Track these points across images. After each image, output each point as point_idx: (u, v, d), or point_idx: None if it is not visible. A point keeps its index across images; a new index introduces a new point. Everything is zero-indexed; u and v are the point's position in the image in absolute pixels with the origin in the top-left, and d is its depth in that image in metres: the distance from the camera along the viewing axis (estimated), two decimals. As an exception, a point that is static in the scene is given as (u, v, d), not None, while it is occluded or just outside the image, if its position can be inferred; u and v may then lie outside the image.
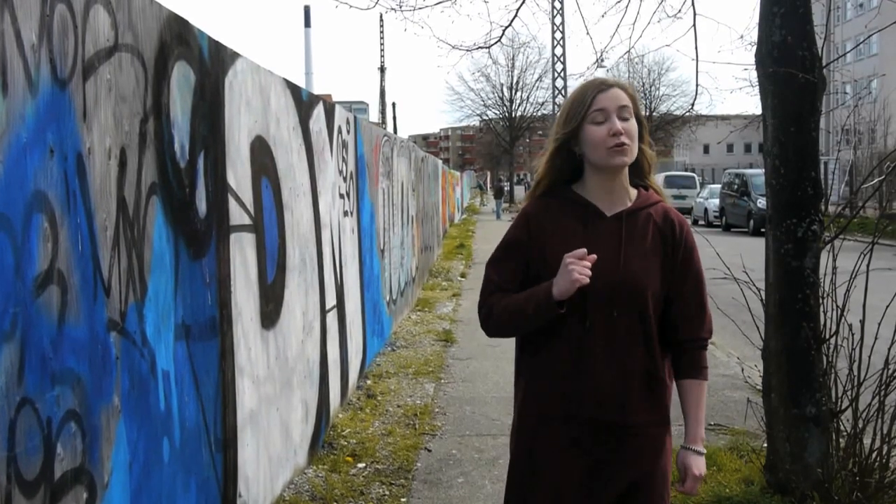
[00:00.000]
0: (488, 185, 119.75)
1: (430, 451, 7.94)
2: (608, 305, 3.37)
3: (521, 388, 3.60)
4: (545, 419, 3.47)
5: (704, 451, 3.54)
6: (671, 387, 3.53)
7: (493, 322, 3.55)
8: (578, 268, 3.21)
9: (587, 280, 3.21)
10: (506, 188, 58.37)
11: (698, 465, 3.49)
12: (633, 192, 3.52)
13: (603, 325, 3.37)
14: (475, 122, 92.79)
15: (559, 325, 3.39)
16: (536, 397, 3.49)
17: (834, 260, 5.93)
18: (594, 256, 3.25)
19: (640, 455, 3.46)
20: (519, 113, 76.65)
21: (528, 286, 3.46)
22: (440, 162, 32.74)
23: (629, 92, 3.47)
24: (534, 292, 3.39)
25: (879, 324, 5.64)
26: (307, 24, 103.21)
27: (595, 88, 3.45)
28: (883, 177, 8.52)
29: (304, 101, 7.48)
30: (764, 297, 6.16)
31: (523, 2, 11.90)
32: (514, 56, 73.18)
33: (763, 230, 6.47)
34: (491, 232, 37.62)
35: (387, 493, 6.89)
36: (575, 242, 3.39)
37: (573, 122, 3.43)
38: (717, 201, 43.05)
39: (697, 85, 10.51)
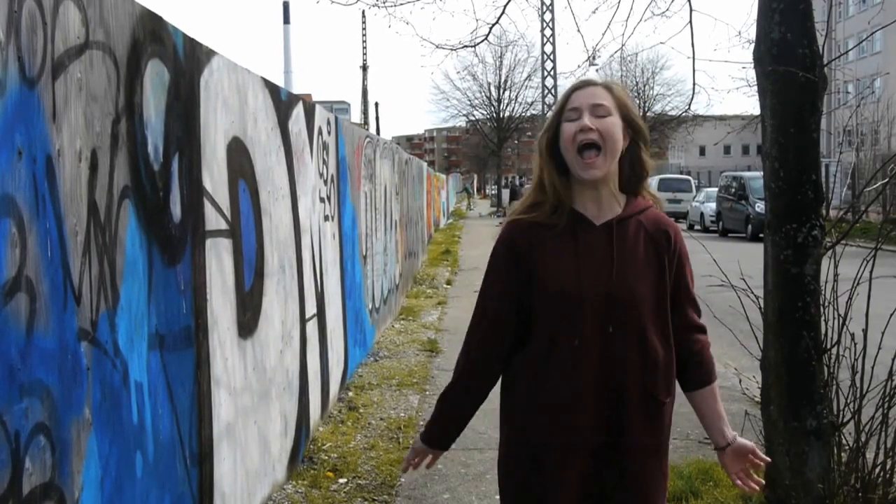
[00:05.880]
0: (475, 188, 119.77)
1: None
2: (602, 320, 3.36)
3: (509, 412, 3.58)
4: (538, 445, 3.45)
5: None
6: (671, 405, 3.55)
7: (454, 373, 3.73)
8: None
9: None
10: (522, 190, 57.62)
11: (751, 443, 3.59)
12: (623, 198, 3.51)
13: (597, 342, 3.36)
14: (461, 122, 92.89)
15: (549, 343, 3.41)
16: (527, 422, 3.48)
17: (835, 266, 5.95)
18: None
19: (637, 479, 3.45)
20: (507, 113, 76.56)
21: (523, 306, 3.48)
22: (425, 164, 32.75)
23: (615, 92, 3.48)
24: (436, 421, 3.71)
25: (883, 333, 5.66)
26: (286, 20, 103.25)
27: (572, 88, 3.50)
28: (886, 180, 8.55)
29: (283, 101, 7.49)
30: (762, 306, 6.18)
31: (512, -3, 11.92)
32: (501, 54, 73.25)
33: (761, 235, 6.48)
34: (478, 237, 37.65)
35: (369, 510, 6.91)
36: (566, 255, 3.39)
37: (553, 123, 3.48)
38: (713, 205, 43.11)
39: (694, 84, 10.53)
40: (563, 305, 3.37)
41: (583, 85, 3.48)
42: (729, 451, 3.56)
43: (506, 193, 64.15)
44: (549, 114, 3.60)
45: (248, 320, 6.23)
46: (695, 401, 3.62)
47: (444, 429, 3.66)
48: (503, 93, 75.98)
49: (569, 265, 3.38)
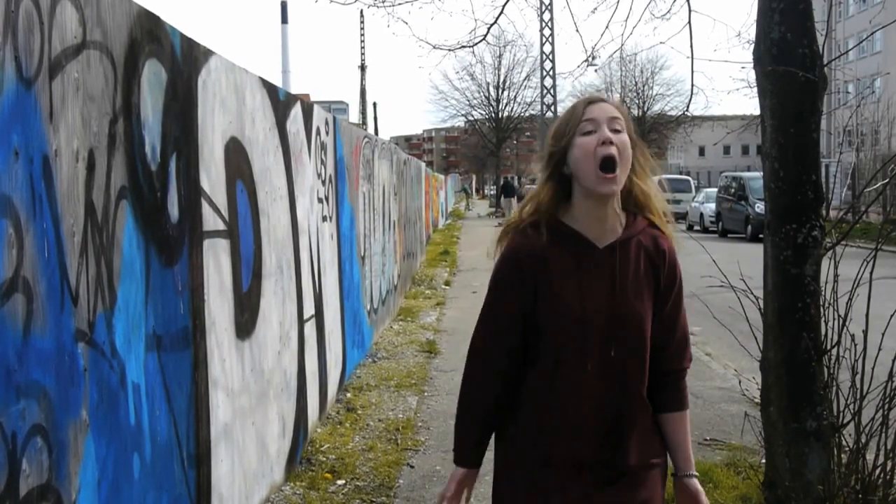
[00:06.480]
0: (473, 189, 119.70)
1: (412, 467, 7.95)
2: (605, 342, 3.35)
3: (511, 433, 3.54)
4: (539, 467, 3.42)
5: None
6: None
7: (461, 393, 3.70)
8: None
9: None
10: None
11: (701, 489, 3.57)
12: (624, 217, 3.46)
13: (601, 364, 3.34)
14: (460, 122, 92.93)
15: (554, 365, 3.38)
16: (528, 444, 3.45)
17: (835, 267, 5.95)
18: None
19: (637, 494, 3.45)
20: (506, 113, 76.70)
21: (527, 326, 3.43)
22: (423, 164, 32.75)
23: (622, 110, 3.44)
24: (461, 440, 3.67)
25: (883, 334, 5.66)
26: (284, 20, 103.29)
27: (585, 101, 3.44)
28: (887, 180, 8.55)
29: (280, 101, 7.49)
30: (762, 306, 6.17)
31: (510, -3, 11.91)
32: (500, 54, 73.34)
33: (761, 236, 6.48)
34: (476, 238, 37.63)
35: (368, 511, 6.90)
36: (569, 278, 3.36)
37: (565, 136, 3.39)
38: (713, 206, 43.12)
39: (693, 84, 10.53)
40: (566, 328, 3.34)
41: (597, 100, 3.43)
42: (677, 483, 3.58)
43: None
44: (555, 125, 3.54)
45: (245, 321, 6.23)
46: (660, 424, 3.58)
47: (467, 441, 3.62)
48: (502, 93, 76.16)
49: (572, 288, 3.35)
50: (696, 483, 3.55)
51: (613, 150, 3.28)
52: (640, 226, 3.49)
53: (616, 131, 3.34)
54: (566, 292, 3.36)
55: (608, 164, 3.28)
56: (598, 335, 3.34)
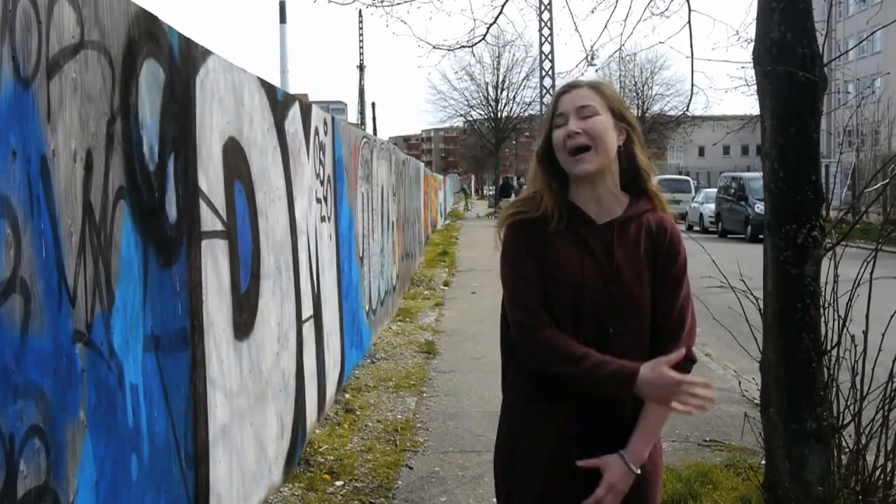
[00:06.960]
0: (472, 189, 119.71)
1: (411, 468, 7.95)
2: (602, 321, 3.36)
3: (507, 407, 3.59)
4: (535, 440, 3.44)
5: (638, 472, 3.34)
6: None
7: (543, 351, 3.34)
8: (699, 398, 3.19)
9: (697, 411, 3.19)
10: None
11: (622, 480, 3.32)
12: (625, 198, 3.50)
13: (596, 342, 3.34)
14: (459, 122, 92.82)
15: None
16: (525, 417, 3.48)
17: (835, 268, 5.94)
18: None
19: (633, 492, 3.44)
20: (505, 113, 76.63)
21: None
22: (422, 165, 32.74)
23: (603, 90, 3.46)
24: (610, 368, 3.25)
25: (883, 335, 5.65)
26: (282, 20, 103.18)
27: (559, 92, 3.53)
28: (887, 180, 8.55)
29: (279, 101, 7.49)
30: (762, 307, 6.17)
31: (509, -3, 11.90)
32: (499, 54, 73.30)
33: (761, 236, 6.48)
34: (475, 238, 37.61)
35: (366, 513, 6.90)
36: (568, 254, 3.37)
37: (545, 132, 3.49)
38: (712, 206, 43.12)
39: (693, 84, 10.53)
40: (564, 304, 3.36)
41: (568, 89, 3.50)
42: (614, 460, 3.32)
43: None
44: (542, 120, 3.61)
45: (244, 322, 6.23)
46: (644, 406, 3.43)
47: (609, 363, 3.25)
48: (501, 93, 76.10)
49: (571, 264, 3.37)
50: (618, 465, 3.30)
51: (581, 141, 3.36)
52: (643, 208, 3.51)
53: (585, 118, 3.39)
54: (564, 267, 3.38)
55: (578, 153, 3.37)
56: (592, 311, 3.35)
